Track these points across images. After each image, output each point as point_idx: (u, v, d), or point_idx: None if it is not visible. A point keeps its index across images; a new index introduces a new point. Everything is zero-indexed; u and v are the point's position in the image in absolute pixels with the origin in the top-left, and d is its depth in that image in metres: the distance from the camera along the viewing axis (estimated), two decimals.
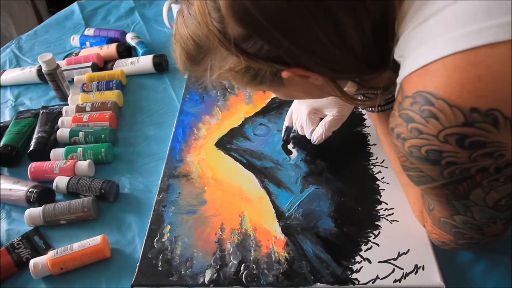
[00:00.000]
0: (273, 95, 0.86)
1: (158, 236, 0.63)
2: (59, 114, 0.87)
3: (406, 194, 0.62)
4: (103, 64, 1.02)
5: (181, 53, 0.49)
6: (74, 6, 1.28)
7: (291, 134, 0.77)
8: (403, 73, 0.40)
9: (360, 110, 0.80)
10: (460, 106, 0.35)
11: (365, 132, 0.76)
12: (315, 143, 0.70)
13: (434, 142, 0.38)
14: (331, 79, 0.46)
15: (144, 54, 1.02)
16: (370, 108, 0.64)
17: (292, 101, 0.77)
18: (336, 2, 0.38)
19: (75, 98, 0.90)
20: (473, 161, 0.37)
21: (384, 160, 0.70)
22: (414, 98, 0.38)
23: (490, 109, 0.34)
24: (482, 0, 0.35)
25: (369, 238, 0.60)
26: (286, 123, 0.76)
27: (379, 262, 0.57)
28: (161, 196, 0.69)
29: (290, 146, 0.75)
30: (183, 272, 0.58)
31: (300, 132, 0.73)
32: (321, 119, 0.71)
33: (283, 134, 0.76)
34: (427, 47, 0.37)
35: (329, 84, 0.46)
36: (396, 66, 0.43)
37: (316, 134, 0.70)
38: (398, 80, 0.42)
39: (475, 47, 0.34)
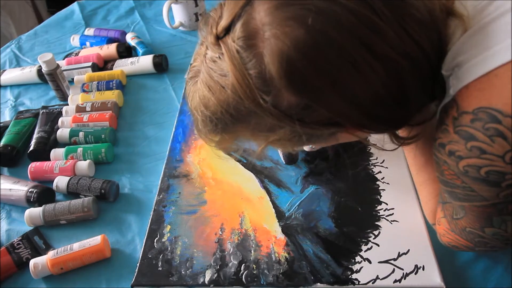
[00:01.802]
0: None
1: (158, 236, 0.63)
2: (59, 114, 0.87)
3: (419, 192, 0.60)
4: (103, 64, 1.02)
5: (212, 127, 0.44)
6: (74, 6, 1.28)
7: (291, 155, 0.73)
8: (458, 84, 0.37)
9: None
10: None
11: None
12: (314, 149, 0.69)
13: (498, 163, 0.35)
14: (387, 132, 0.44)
15: (144, 54, 1.02)
16: None
17: None
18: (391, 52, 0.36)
19: (75, 98, 0.90)
20: None
21: (384, 160, 0.70)
22: (476, 114, 0.35)
23: None
24: None
25: (369, 238, 0.60)
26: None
27: (379, 262, 0.57)
28: (161, 196, 0.69)
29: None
30: (183, 272, 0.58)
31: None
32: None
33: (282, 158, 0.72)
34: (487, 54, 0.35)
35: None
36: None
37: None
38: (452, 92, 0.38)
39: None
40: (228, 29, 0.38)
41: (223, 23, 0.39)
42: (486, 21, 0.36)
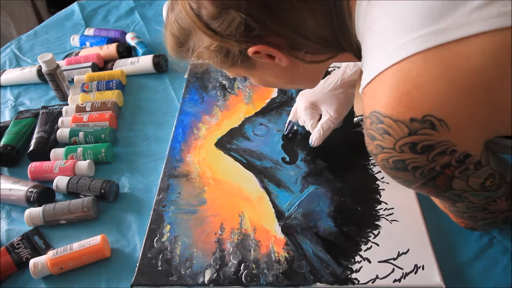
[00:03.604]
0: (272, 95, 0.87)
1: (158, 236, 0.63)
2: (59, 114, 0.87)
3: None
4: (103, 64, 1.02)
5: (169, 36, 0.54)
6: (74, 6, 1.28)
7: (294, 129, 0.77)
8: (362, 83, 0.44)
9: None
10: (401, 119, 0.40)
11: None
12: (313, 146, 0.70)
13: (394, 153, 0.42)
14: (292, 55, 0.48)
15: (144, 54, 1.02)
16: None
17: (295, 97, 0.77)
18: None
19: (75, 98, 0.90)
20: (433, 161, 0.42)
21: None
22: (371, 118, 0.43)
23: (425, 116, 0.39)
24: (402, 13, 0.40)
25: (369, 238, 0.60)
26: (290, 118, 0.77)
27: (378, 262, 0.57)
28: (161, 196, 0.69)
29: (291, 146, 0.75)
30: (183, 272, 0.58)
31: (301, 124, 0.74)
32: (321, 115, 0.71)
33: (286, 128, 0.77)
34: (371, 60, 0.42)
35: (297, 64, 0.50)
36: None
37: (314, 136, 0.70)
38: (360, 90, 0.46)
39: (398, 62, 0.39)
40: None
41: None
42: (365, 28, 0.44)
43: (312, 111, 0.71)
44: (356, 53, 0.49)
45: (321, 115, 0.71)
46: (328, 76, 0.72)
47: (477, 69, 0.37)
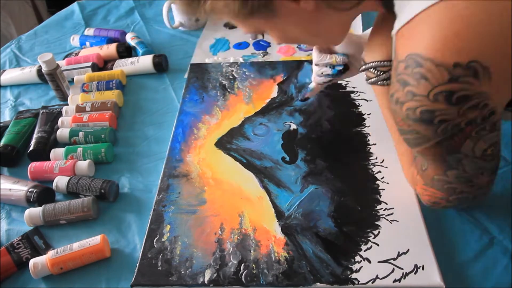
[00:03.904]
0: (272, 95, 0.86)
1: (158, 236, 0.63)
2: (59, 114, 0.87)
3: (401, 162, 0.63)
4: (103, 64, 1.02)
5: None
6: (74, 6, 1.28)
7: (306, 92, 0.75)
8: (399, 22, 0.42)
9: (358, 105, 0.80)
10: (444, 63, 0.37)
11: (365, 132, 0.76)
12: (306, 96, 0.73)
13: (426, 102, 0.40)
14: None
15: (144, 54, 1.02)
16: (379, 82, 0.61)
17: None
18: None
19: (75, 98, 0.90)
20: (462, 115, 0.40)
21: (384, 160, 0.70)
22: (407, 61, 0.40)
23: (470, 61, 0.36)
24: None
25: (369, 238, 0.60)
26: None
27: (378, 262, 0.57)
28: (161, 196, 0.69)
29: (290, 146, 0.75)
30: (182, 272, 0.58)
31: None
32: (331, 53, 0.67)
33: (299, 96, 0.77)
34: (409, 2, 0.39)
35: (322, 11, 0.46)
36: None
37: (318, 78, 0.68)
38: (394, 31, 0.43)
39: None
40: None
41: None
42: None
43: (323, 50, 0.67)
44: None
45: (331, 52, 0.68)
46: None
47: None
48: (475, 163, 0.47)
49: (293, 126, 0.77)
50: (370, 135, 0.75)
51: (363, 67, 0.58)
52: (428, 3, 0.37)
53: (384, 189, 0.66)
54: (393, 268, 0.56)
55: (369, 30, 0.59)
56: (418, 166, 0.56)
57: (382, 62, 0.56)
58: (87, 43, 1.09)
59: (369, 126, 0.77)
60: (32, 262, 0.60)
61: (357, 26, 1.02)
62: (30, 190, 0.70)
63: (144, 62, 0.98)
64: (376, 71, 0.56)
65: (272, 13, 0.46)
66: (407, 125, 0.44)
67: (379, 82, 0.57)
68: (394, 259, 0.57)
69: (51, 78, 0.90)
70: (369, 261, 0.57)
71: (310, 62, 0.86)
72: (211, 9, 0.46)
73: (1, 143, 0.80)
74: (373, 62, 0.56)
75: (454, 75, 0.37)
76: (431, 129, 0.42)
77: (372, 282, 0.55)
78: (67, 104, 0.90)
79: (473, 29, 0.36)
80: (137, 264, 0.60)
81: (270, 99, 0.86)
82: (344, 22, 0.54)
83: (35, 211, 0.67)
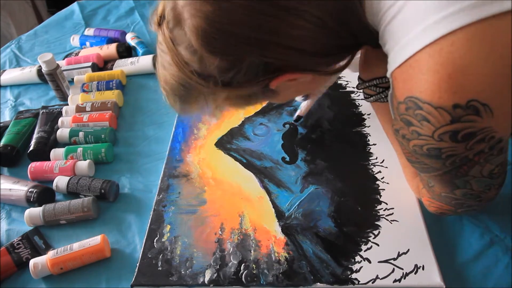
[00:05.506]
0: None
1: (158, 236, 0.63)
2: (59, 114, 0.87)
3: (404, 173, 0.64)
4: (103, 64, 1.02)
5: (175, 99, 0.51)
6: (74, 6, 1.28)
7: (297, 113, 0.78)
8: (390, 67, 0.43)
9: (358, 105, 0.80)
10: (443, 106, 0.38)
11: (365, 132, 0.76)
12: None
13: (431, 141, 0.41)
14: (315, 71, 0.47)
15: (144, 54, 1.02)
16: (379, 100, 0.62)
17: None
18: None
19: (75, 98, 0.90)
20: (470, 149, 0.40)
21: (384, 160, 0.70)
22: (406, 103, 0.41)
23: (469, 101, 0.37)
24: None
25: (369, 238, 0.60)
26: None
27: (379, 262, 0.57)
28: (161, 196, 0.69)
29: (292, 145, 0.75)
30: (183, 272, 0.58)
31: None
32: None
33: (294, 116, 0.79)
34: (402, 42, 0.40)
35: (318, 76, 0.49)
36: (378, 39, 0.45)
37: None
38: (388, 73, 0.44)
39: (435, 41, 0.36)
40: (162, 16, 0.45)
41: (159, 11, 0.46)
42: (394, 12, 0.40)
43: None
44: (373, 42, 0.46)
45: None
46: None
47: None
48: (482, 182, 0.46)
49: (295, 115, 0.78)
50: (370, 135, 0.75)
51: (363, 85, 0.59)
52: (416, 47, 0.37)
53: (384, 189, 0.66)
54: (393, 268, 0.56)
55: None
56: (424, 181, 0.56)
57: (382, 79, 0.56)
58: (87, 43, 1.09)
59: (369, 126, 0.77)
60: (32, 262, 0.60)
61: None
62: (30, 190, 0.70)
63: (144, 62, 0.98)
64: (376, 88, 0.58)
65: (274, 93, 0.50)
66: (414, 158, 0.45)
67: (379, 100, 0.59)
68: (394, 259, 0.57)
69: (51, 78, 0.90)
70: (369, 261, 0.57)
71: None
72: (217, 110, 0.51)
73: (1, 143, 0.80)
74: (374, 80, 0.57)
75: (456, 116, 0.38)
76: (440, 162, 0.43)
77: (372, 282, 0.55)
78: (67, 104, 0.90)
79: (464, 71, 0.36)
80: (137, 264, 0.60)
81: None
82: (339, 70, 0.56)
83: (35, 211, 0.67)
